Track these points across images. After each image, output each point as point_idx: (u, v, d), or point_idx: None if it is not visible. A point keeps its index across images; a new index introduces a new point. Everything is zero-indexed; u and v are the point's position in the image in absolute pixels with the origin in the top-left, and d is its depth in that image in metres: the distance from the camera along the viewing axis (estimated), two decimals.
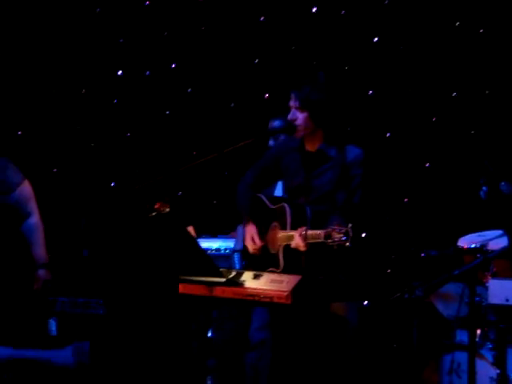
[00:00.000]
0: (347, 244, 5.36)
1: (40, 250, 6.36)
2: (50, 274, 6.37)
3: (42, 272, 6.34)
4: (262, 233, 6.03)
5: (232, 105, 8.49)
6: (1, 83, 8.08)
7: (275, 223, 5.95)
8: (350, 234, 5.33)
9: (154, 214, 6.44)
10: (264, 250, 6.00)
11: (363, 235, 6.09)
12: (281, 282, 5.55)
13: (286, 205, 5.88)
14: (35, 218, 6.37)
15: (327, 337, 5.85)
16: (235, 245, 7.28)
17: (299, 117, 5.91)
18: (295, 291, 5.46)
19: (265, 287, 5.57)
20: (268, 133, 6.95)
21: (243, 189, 6.24)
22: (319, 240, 5.50)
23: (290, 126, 5.98)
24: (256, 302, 5.67)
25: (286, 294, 5.44)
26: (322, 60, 7.94)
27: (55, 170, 8.22)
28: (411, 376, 6.22)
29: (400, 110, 7.98)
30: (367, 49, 8.08)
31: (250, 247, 6.04)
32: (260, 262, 5.96)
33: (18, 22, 8.39)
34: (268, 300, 5.55)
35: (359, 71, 8.03)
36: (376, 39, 8.10)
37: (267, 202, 6.10)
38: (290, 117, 5.95)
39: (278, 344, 6.42)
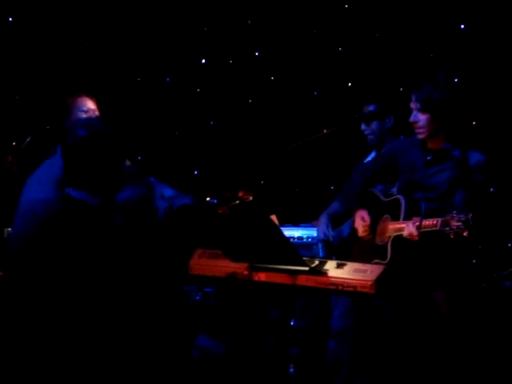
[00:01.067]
0: (465, 233, 5.31)
1: None
2: None
3: None
4: (373, 225, 6.05)
5: (315, 93, 8.44)
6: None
7: (386, 215, 5.98)
8: (471, 222, 5.29)
9: (237, 202, 6.43)
10: (370, 241, 6.03)
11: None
12: (365, 271, 5.50)
13: (400, 196, 5.89)
14: None
15: (413, 327, 5.82)
16: (318, 234, 7.26)
17: (421, 119, 5.85)
18: (379, 281, 5.41)
19: (348, 276, 5.52)
20: (362, 118, 6.90)
21: (357, 180, 6.32)
22: (435, 228, 5.48)
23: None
24: (339, 291, 5.61)
25: (370, 283, 5.39)
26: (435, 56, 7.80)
27: (139, 157, 8.20)
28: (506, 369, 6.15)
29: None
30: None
31: (361, 226, 6.07)
32: (365, 254, 5.98)
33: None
34: (351, 289, 5.49)
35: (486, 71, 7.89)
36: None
37: (381, 196, 6.13)
38: (411, 119, 5.90)
39: (360, 333, 6.41)
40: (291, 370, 7.42)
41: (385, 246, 5.84)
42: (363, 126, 7.07)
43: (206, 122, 8.64)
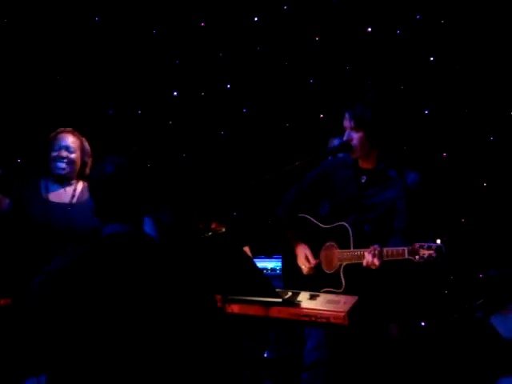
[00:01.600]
0: (437, 261, 5.30)
1: None
2: None
3: None
4: (314, 252, 6.00)
5: (287, 124, 8.46)
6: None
7: (331, 243, 5.90)
8: (444, 251, 5.28)
9: (210, 233, 6.41)
10: (317, 269, 5.97)
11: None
12: (338, 302, 5.48)
13: (346, 224, 5.82)
14: None
15: (383, 357, 5.81)
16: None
17: (354, 137, 5.84)
18: (352, 312, 5.40)
19: (321, 308, 5.50)
20: (327, 152, 6.89)
21: (286, 209, 6.23)
22: (400, 257, 5.44)
23: (347, 146, 5.91)
24: (313, 322, 5.59)
25: (343, 314, 5.37)
26: (378, 80, 7.88)
27: None
28: None
29: (456, 129, 7.92)
30: (424, 68, 8.03)
31: (305, 266, 6.01)
32: (314, 283, 5.91)
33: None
34: (325, 321, 5.48)
35: (415, 90, 7.97)
36: (432, 58, 8.03)
37: (317, 222, 6.07)
38: (345, 137, 5.88)
39: (333, 364, 6.39)
40: None
41: (337, 275, 5.81)
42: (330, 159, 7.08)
43: (179, 155, 8.63)
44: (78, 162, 6.44)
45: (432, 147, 7.88)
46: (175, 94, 8.67)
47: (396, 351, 5.87)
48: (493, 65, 7.83)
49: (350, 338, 5.77)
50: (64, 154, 6.38)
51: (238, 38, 8.51)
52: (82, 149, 6.46)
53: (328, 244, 5.92)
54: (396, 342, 5.86)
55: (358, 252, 5.68)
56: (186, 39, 8.55)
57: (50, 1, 8.27)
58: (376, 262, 5.55)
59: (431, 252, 5.34)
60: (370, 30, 8.23)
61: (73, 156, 6.40)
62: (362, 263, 5.64)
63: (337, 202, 6.05)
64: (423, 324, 6.86)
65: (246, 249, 6.15)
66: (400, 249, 5.48)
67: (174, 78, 8.62)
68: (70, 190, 6.46)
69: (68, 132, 6.47)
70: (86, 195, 6.31)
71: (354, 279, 5.73)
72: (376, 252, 5.55)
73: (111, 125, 8.52)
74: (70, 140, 6.43)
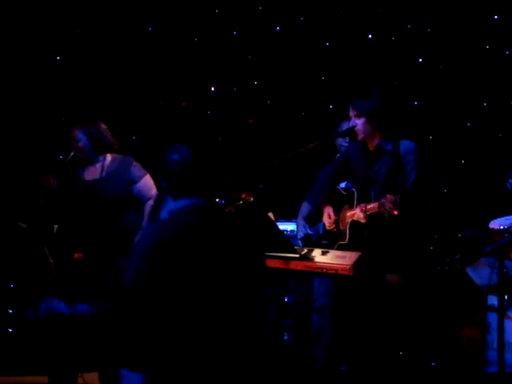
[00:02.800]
0: (395, 212, 5.38)
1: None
2: None
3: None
4: (337, 214, 6.14)
5: (303, 114, 8.50)
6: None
7: (346, 205, 6.05)
8: (398, 201, 5.38)
9: (240, 202, 6.49)
10: (337, 227, 6.11)
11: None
12: (344, 257, 5.56)
13: (354, 189, 6.01)
14: (152, 202, 6.48)
15: (381, 302, 5.86)
16: (298, 234, 7.31)
17: (358, 123, 5.96)
18: (356, 265, 5.47)
19: (331, 261, 5.58)
20: (335, 136, 6.97)
21: (322, 182, 6.41)
22: (375, 210, 5.57)
23: (352, 130, 6.02)
24: (323, 273, 5.67)
25: (348, 267, 5.46)
26: (375, 77, 7.90)
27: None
28: (451, 332, 6.19)
29: (441, 117, 7.93)
30: (413, 68, 8.05)
31: (327, 222, 6.14)
32: (333, 238, 6.06)
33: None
34: (333, 272, 5.56)
35: (406, 86, 8.00)
36: (420, 60, 8.05)
37: (341, 191, 6.22)
38: (351, 124, 6.02)
39: (339, 308, 6.46)
40: (285, 337, 7.37)
41: (345, 230, 5.93)
42: (340, 141, 7.13)
43: (216, 139, 8.69)
44: (87, 147, 6.39)
45: (422, 130, 7.90)
46: (213, 89, 8.72)
47: (391, 297, 5.94)
48: (470, 64, 7.84)
49: (354, 286, 5.85)
50: (73, 145, 6.38)
51: (262, 44, 8.53)
52: (88, 134, 6.38)
53: (344, 207, 6.06)
54: (391, 288, 5.93)
55: (354, 210, 5.84)
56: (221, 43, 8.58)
57: None
58: (361, 215, 5.68)
59: (390, 204, 5.44)
60: (370, 36, 8.23)
61: (79, 145, 6.37)
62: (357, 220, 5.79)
63: (355, 177, 6.21)
64: (414, 274, 6.87)
65: (270, 214, 6.20)
66: (374, 204, 5.60)
67: (212, 74, 8.65)
68: (99, 166, 6.44)
69: (73, 128, 6.43)
70: (114, 167, 6.42)
71: (354, 234, 5.85)
72: (362, 208, 5.68)
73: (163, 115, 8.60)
74: (73, 133, 6.39)
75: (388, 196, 5.45)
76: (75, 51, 8.20)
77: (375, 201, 5.72)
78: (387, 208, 5.43)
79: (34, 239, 6.48)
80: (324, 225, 6.31)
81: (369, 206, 5.65)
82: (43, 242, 6.36)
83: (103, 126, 6.48)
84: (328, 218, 6.12)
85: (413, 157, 5.88)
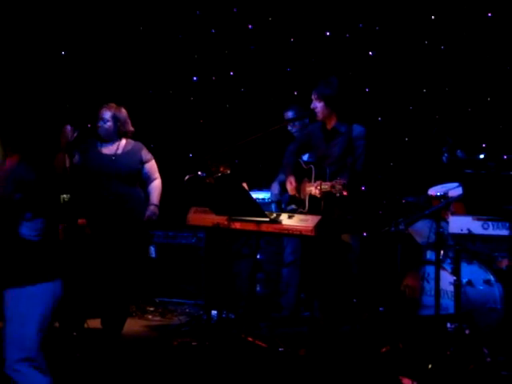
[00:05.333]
0: (345, 193, 5.45)
1: (155, 196, 6.52)
2: (158, 211, 6.49)
3: (152, 207, 6.46)
4: (298, 183, 6.13)
5: (272, 99, 8.50)
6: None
7: (305, 179, 6.05)
8: (346, 185, 5.46)
9: (219, 174, 6.52)
10: (298, 193, 6.10)
11: (363, 188, 6.11)
12: (307, 220, 5.64)
13: (312, 166, 5.99)
14: (158, 181, 6.57)
15: (339, 258, 5.93)
16: (271, 197, 7.36)
17: (318, 106, 6.00)
18: (317, 226, 5.53)
19: (296, 224, 5.66)
20: (290, 120, 7.02)
21: (289, 155, 6.36)
22: (328, 190, 5.59)
23: (313, 112, 6.06)
24: (290, 234, 5.75)
25: (310, 228, 5.53)
26: (333, 68, 7.92)
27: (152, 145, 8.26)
28: (396, 282, 6.26)
29: (388, 102, 7.98)
30: (364, 60, 8.08)
31: (289, 189, 6.14)
32: (296, 203, 6.07)
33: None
34: (298, 233, 5.63)
35: (359, 75, 8.03)
36: (371, 53, 8.08)
37: (303, 165, 6.20)
38: (312, 106, 6.03)
39: (305, 263, 6.52)
40: (258, 289, 7.47)
41: (304, 200, 5.95)
42: (289, 127, 7.16)
43: (198, 121, 8.71)
44: (112, 128, 6.44)
45: (372, 113, 7.94)
46: (195, 78, 8.73)
47: (347, 253, 6.02)
48: (411, 58, 7.89)
49: (316, 244, 5.87)
50: (100, 123, 6.43)
51: (237, 40, 8.54)
52: (115, 118, 6.42)
53: (304, 179, 6.06)
54: (346, 246, 6.00)
55: (312, 184, 5.85)
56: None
57: None
58: (317, 191, 5.72)
59: (340, 187, 5.50)
60: (328, 34, 8.23)
61: (106, 125, 6.42)
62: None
63: (314, 153, 6.25)
64: (365, 234, 6.93)
65: (244, 184, 6.24)
66: (327, 184, 5.64)
67: (193, 66, 8.66)
68: (115, 145, 6.47)
69: (104, 107, 6.47)
70: (129, 148, 6.48)
71: (312, 204, 5.88)
72: (317, 185, 5.73)
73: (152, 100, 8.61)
74: (103, 113, 6.44)
75: (339, 180, 5.53)
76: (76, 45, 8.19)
77: (330, 178, 5.77)
78: (337, 189, 5.49)
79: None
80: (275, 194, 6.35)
81: (323, 185, 5.68)
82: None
83: (126, 113, 6.52)
84: (290, 184, 6.12)
85: (362, 141, 5.92)
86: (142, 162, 6.51)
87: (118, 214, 6.34)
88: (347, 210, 5.88)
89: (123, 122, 6.48)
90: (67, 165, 6.39)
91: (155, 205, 6.49)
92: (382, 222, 6.80)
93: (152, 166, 6.57)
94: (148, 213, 6.43)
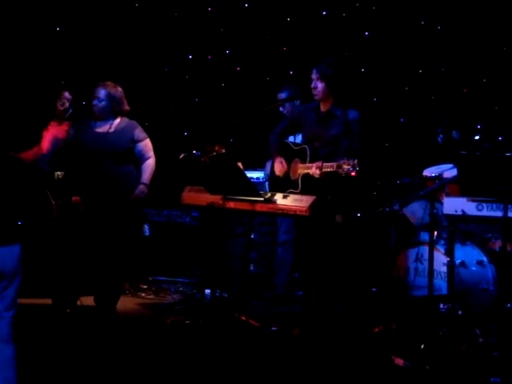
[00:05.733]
0: (353, 174, 5.42)
1: (146, 175, 6.48)
2: (147, 190, 6.47)
3: (141, 186, 6.43)
4: (288, 165, 6.06)
5: (268, 78, 8.49)
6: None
7: (297, 159, 5.99)
8: (357, 166, 5.39)
9: (214, 153, 6.52)
10: (286, 177, 6.03)
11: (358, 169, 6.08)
12: (301, 200, 5.61)
13: (307, 147, 5.92)
14: (152, 160, 6.53)
15: (332, 238, 5.92)
16: (264, 175, 7.33)
17: (319, 86, 5.93)
18: (311, 206, 5.52)
19: (291, 204, 5.64)
20: (286, 99, 6.98)
21: (274, 136, 6.30)
22: (332, 169, 5.55)
23: (308, 94, 6.02)
24: (285, 214, 5.73)
25: (305, 208, 5.51)
26: (329, 48, 7.90)
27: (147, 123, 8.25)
28: (390, 262, 6.27)
29: (384, 82, 7.97)
30: (360, 40, 8.06)
31: (278, 169, 6.06)
32: (282, 186, 5.97)
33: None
34: (293, 213, 5.61)
35: (354, 56, 8.01)
36: (367, 33, 8.06)
37: (291, 146, 6.14)
38: (312, 85, 5.96)
39: (298, 243, 6.51)
40: (252, 268, 7.50)
41: (296, 181, 5.89)
42: (281, 108, 7.11)
43: (193, 100, 8.69)
44: (106, 107, 6.42)
45: (368, 93, 7.94)
46: (190, 57, 8.70)
47: (339, 233, 6.01)
48: (408, 38, 7.87)
49: (310, 224, 5.85)
50: (95, 102, 6.41)
51: (233, 19, 8.51)
52: (110, 96, 6.41)
53: (295, 160, 5.99)
54: (340, 226, 6.00)
55: (309, 165, 5.80)
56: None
57: None
58: (317, 171, 5.67)
59: (349, 167, 5.47)
60: (324, 13, 8.22)
61: (101, 104, 6.40)
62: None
63: (306, 133, 6.14)
64: (359, 214, 6.94)
65: (239, 164, 6.23)
66: (332, 163, 5.59)
67: (189, 45, 8.64)
68: (109, 123, 6.45)
69: (100, 85, 6.44)
70: (122, 126, 6.47)
71: (306, 184, 5.83)
72: (318, 165, 5.68)
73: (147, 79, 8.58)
74: (98, 91, 6.42)
75: (346, 160, 5.47)
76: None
77: (323, 158, 5.74)
78: (345, 170, 5.44)
79: (38, 184, 6.47)
80: (271, 171, 6.29)
81: (326, 165, 5.62)
82: (46, 187, 6.36)
83: (122, 92, 6.49)
84: (280, 165, 6.06)
85: (357, 125, 5.89)
86: (134, 141, 6.47)
87: (108, 192, 6.34)
88: (344, 191, 5.85)
89: (118, 101, 6.45)
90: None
91: (144, 184, 6.45)
92: (376, 202, 6.80)
93: (146, 145, 6.53)
94: (136, 192, 6.41)
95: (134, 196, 6.38)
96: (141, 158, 6.51)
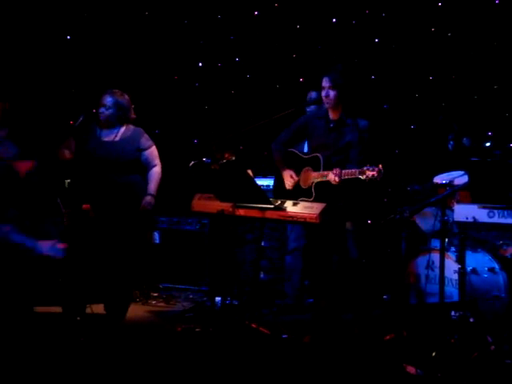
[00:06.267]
0: (378, 179, 5.40)
1: (152, 185, 6.43)
2: (154, 201, 6.45)
3: (148, 198, 6.40)
4: (297, 175, 6.06)
5: (277, 86, 8.50)
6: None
7: (308, 167, 5.97)
8: (382, 172, 5.37)
9: (224, 161, 6.51)
10: (296, 186, 6.02)
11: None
12: (312, 207, 5.60)
13: (319, 155, 5.90)
14: (158, 169, 6.49)
15: (342, 245, 5.90)
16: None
17: (331, 94, 5.92)
18: (322, 214, 5.50)
19: (301, 211, 5.62)
20: (306, 103, 6.95)
21: (277, 145, 6.28)
22: (354, 176, 5.53)
23: (318, 101, 6.02)
24: (295, 221, 5.71)
25: (315, 215, 5.50)
26: (339, 56, 7.91)
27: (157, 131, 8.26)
28: (401, 269, 6.25)
29: (394, 89, 7.96)
30: (370, 47, 8.05)
31: (289, 182, 6.04)
32: (292, 196, 5.94)
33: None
34: (303, 220, 5.59)
35: (365, 63, 8.01)
36: (377, 40, 8.05)
37: (300, 154, 6.13)
38: (324, 94, 5.94)
39: (309, 249, 6.48)
40: (262, 275, 7.47)
41: (309, 189, 5.87)
42: (307, 109, 7.10)
43: (203, 107, 8.69)
44: (113, 115, 6.38)
45: (378, 100, 7.94)
46: (200, 64, 8.70)
47: (350, 241, 5.99)
48: (418, 44, 7.86)
49: (321, 231, 5.83)
50: (102, 109, 6.38)
51: (243, 27, 8.52)
52: (117, 104, 6.37)
53: (306, 168, 5.98)
54: (350, 233, 5.97)
55: (325, 172, 5.79)
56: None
57: None
58: (336, 179, 5.64)
59: (374, 173, 5.44)
60: (334, 20, 8.21)
61: (108, 112, 6.38)
62: (327, 181, 5.77)
63: (314, 141, 6.11)
64: (369, 221, 6.93)
65: (249, 171, 6.22)
66: (353, 170, 5.56)
67: (199, 52, 8.65)
68: (115, 131, 6.42)
69: (107, 93, 6.42)
70: (127, 134, 6.44)
71: (320, 192, 5.82)
72: (337, 172, 5.66)
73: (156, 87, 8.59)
74: (105, 99, 6.38)
75: (369, 166, 5.45)
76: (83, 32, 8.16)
77: (335, 165, 5.73)
78: (370, 176, 5.43)
79: (49, 193, 6.48)
80: (277, 182, 6.27)
81: (345, 171, 5.61)
82: (57, 195, 6.37)
83: (129, 100, 6.48)
84: (291, 178, 6.04)
85: (367, 134, 5.87)
86: (140, 149, 6.44)
87: (115, 201, 6.32)
88: (364, 197, 5.86)
89: (125, 109, 6.43)
90: (73, 149, 6.42)
91: (151, 194, 6.42)
92: (387, 209, 6.78)
93: (151, 153, 6.50)
94: (143, 203, 6.39)
95: (141, 208, 6.37)
96: (147, 166, 6.49)
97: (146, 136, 6.52)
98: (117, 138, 6.41)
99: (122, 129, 6.45)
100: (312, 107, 6.90)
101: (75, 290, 6.21)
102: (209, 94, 8.66)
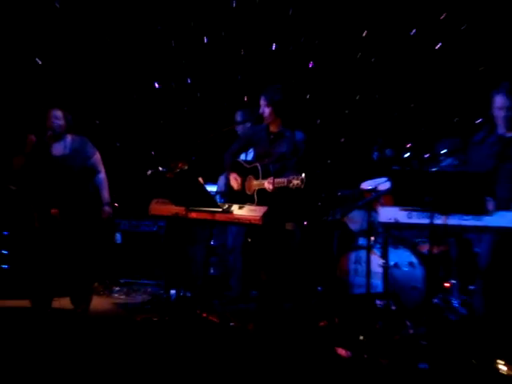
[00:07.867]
0: (302, 186, 5.40)
1: (105, 194, 6.34)
2: (112, 209, 6.36)
3: (106, 208, 6.32)
4: (242, 181, 6.03)
5: (225, 104, 8.48)
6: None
7: (250, 176, 5.96)
8: (304, 180, 5.38)
9: (178, 170, 6.47)
10: (242, 192, 5.99)
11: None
12: (255, 210, 5.57)
13: (258, 164, 5.90)
14: (103, 174, 6.38)
15: (283, 243, 5.91)
16: (217, 189, 7.31)
17: (266, 111, 5.92)
18: (264, 216, 5.49)
19: (246, 214, 5.59)
20: (241, 122, 6.96)
21: (229, 155, 6.26)
22: (283, 185, 5.53)
23: (261, 116, 5.99)
24: (240, 223, 5.67)
25: (258, 217, 5.48)
26: (277, 77, 7.92)
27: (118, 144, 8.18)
28: (333, 264, 6.28)
29: (326, 105, 8.00)
30: (306, 73, 8.08)
31: (235, 184, 6.01)
32: (239, 200, 5.91)
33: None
34: (248, 221, 5.58)
35: (301, 83, 8.03)
36: (310, 65, 8.09)
37: (244, 164, 6.11)
38: (260, 111, 5.94)
39: (251, 249, 6.48)
40: (212, 271, 7.47)
41: (252, 195, 5.86)
42: (237, 128, 7.04)
43: (158, 122, 8.64)
44: (64, 126, 6.19)
45: (312, 116, 7.97)
46: (157, 86, 8.65)
47: (289, 239, 6.00)
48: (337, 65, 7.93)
49: (263, 231, 5.80)
50: (55, 122, 6.15)
51: (195, 52, 8.49)
52: (65, 114, 6.18)
53: (249, 177, 5.96)
54: (289, 233, 5.98)
55: (263, 181, 5.76)
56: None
57: None
58: (270, 186, 5.62)
59: (298, 181, 5.42)
60: (274, 47, 8.24)
61: (60, 122, 6.17)
62: (264, 188, 5.78)
63: (257, 152, 6.11)
64: (305, 223, 6.94)
65: (200, 179, 6.18)
66: (283, 179, 5.53)
67: (156, 73, 8.58)
68: (63, 143, 6.24)
69: (52, 109, 6.18)
70: (76, 145, 6.25)
71: (261, 198, 5.79)
72: (271, 181, 5.65)
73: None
74: (55, 113, 6.15)
75: (295, 175, 5.42)
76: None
77: (274, 173, 5.71)
78: (295, 184, 5.42)
79: (21, 198, 6.36)
80: (226, 185, 6.24)
81: (277, 180, 5.58)
82: (28, 200, 6.26)
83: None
84: (235, 180, 6.01)
85: (303, 145, 5.88)
86: (89, 157, 6.31)
87: (75, 205, 6.20)
88: (292, 202, 5.84)
89: (70, 119, 6.25)
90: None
91: (107, 203, 6.32)
92: (320, 212, 6.81)
93: (96, 160, 6.35)
94: (104, 215, 6.28)
95: (104, 219, 6.27)
96: (93, 172, 6.36)
97: (90, 144, 6.36)
98: (67, 151, 6.24)
99: (68, 139, 6.27)
100: (239, 127, 6.92)
101: (44, 284, 6.13)
102: (164, 111, 8.60)
